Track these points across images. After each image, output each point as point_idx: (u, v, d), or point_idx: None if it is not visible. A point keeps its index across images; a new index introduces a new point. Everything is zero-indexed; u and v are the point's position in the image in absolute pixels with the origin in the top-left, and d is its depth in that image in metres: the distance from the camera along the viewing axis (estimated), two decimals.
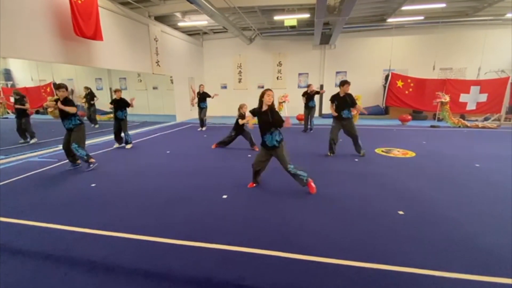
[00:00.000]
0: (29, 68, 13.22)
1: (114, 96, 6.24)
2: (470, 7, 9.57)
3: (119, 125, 6.33)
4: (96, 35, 6.57)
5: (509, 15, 9.30)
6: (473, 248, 2.26)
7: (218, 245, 2.34)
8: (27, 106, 7.14)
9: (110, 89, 14.20)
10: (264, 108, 3.31)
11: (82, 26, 6.13)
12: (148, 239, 2.46)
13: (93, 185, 3.91)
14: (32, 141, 7.13)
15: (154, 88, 14.45)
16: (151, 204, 3.24)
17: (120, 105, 6.18)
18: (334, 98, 5.19)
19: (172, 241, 2.41)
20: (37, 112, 13.65)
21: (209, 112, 10.09)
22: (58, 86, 4.40)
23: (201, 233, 2.55)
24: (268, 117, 3.24)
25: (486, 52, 10.53)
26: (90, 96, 9.79)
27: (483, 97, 10.13)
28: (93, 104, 10.02)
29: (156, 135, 8.41)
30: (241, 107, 5.81)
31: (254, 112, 3.44)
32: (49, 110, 11.35)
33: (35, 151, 5.95)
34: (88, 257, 2.19)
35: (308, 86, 7.96)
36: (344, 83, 5.06)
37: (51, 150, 6.19)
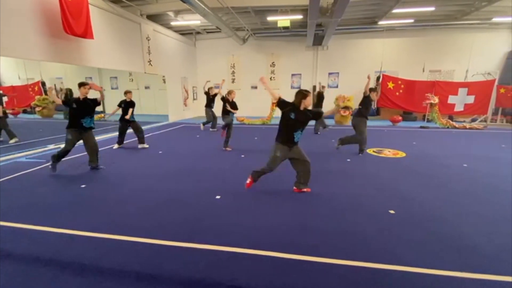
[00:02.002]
0: (16, 66, 12.83)
1: (124, 98, 6.00)
2: (459, 11, 9.83)
3: (126, 128, 6.16)
4: (87, 33, 6.45)
5: (495, 19, 9.59)
6: (461, 246, 2.31)
7: (211, 246, 2.32)
8: (3, 106, 6.74)
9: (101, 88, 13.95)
10: (302, 107, 3.34)
11: (72, 24, 6.01)
12: (139, 240, 2.42)
13: (83, 186, 3.83)
14: (13, 141, 6.83)
15: (146, 87, 14.26)
16: (143, 205, 3.19)
17: (131, 107, 5.99)
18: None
19: (163, 242, 2.38)
20: (25, 112, 13.30)
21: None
22: (82, 84, 4.25)
23: (193, 234, 2.53)
24: (307, 115, 3.35)
25: (473, 55, 10.82)
26: None
27: (471, 99, 10.41)
28: None
29: (148, 135, 8.29)
30: (229, 92, 5.94)
31: (288, 105, 3.34)
32: (37, 109, 11.13)
33: (22, 151, 5.79)
34: (78, 259, 2.15)
35: (323, 87, 8.41)
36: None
37: (39, 150, 6.04)
